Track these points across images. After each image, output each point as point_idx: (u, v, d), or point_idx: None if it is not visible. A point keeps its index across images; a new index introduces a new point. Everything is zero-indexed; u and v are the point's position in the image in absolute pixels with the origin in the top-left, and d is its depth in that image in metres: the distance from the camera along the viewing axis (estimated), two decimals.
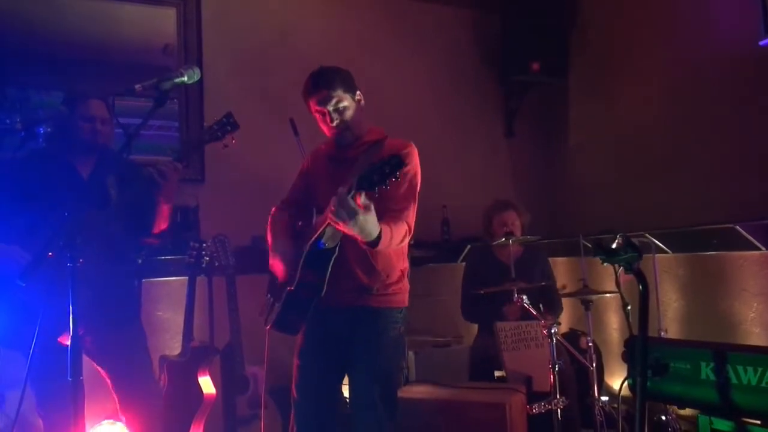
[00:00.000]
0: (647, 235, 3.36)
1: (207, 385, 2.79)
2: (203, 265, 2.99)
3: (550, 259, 3.50)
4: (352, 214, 1.75)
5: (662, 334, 2.99)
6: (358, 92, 2.21)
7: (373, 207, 1.76)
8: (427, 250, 3.72)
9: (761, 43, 2.88)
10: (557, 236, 4.25)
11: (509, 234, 3.04)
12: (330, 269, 2.06)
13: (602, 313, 4.02)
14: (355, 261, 2.10)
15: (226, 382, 2.86)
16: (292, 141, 3.16)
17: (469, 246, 4.04)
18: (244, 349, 2.94)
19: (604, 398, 3.24)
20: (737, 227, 2.94)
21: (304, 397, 2.15)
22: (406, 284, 2.22)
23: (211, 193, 3.57)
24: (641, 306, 1.55)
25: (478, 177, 4.31)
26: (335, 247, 2.06)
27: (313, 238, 2.04)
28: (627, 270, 1.53)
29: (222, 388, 2.85)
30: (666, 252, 3.46)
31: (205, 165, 3.60)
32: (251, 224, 3.41)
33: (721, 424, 1.54)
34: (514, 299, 2.69)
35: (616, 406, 3.29)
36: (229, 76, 3.72)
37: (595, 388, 2.73)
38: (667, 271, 3.51)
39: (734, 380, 1.48)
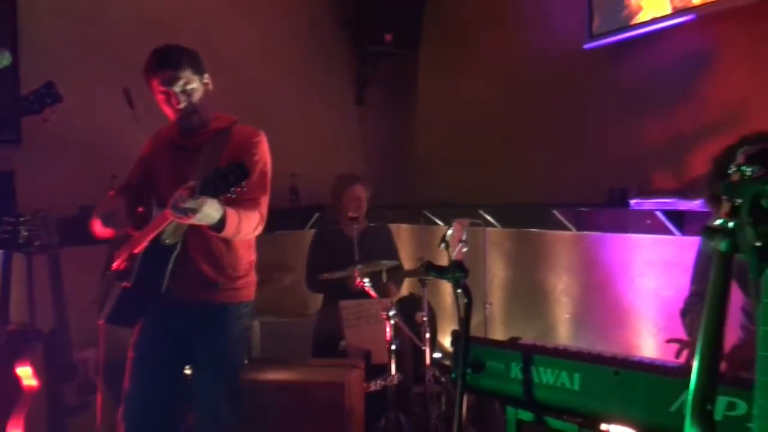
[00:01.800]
0: (480, 210, 3.64)
1: (27, 375, 2.58)
2: (20, 241, 2.71)
3: (396, 226, 3.67)
4: (192, 211, 1.72)
5: (487, 306, 3.31)
6: (206, 75, 2.10)
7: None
8: (274, 217, 3.70)
9: (585, 46, 3.16)
10: (403, 205, 4.45)
11: (357, 209, 3.14)
12: (171, 265, 1.99)
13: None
14: (199, 256, 2.05)
15: (50, 370, 2.67)
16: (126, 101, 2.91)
17: (317, 214, 4.08)
18: (73, 332, 2.76)
19: (437, 355, 3.54)
20: (554, 211, 3.29)
21: (136, 392, 2.09)
22: (253, 277, 2.21)
23: (29, 157, 3.20)
24: (464, 314, 1.70)
25: (328, 145, 4.32)
26: (177, 243, 2.00)
27: (154, 234, 1.95)
28: (455, 287, 1.66)
29: (46, 376, 2.66)
30: (496, 226, 3.78)
31: (21, 123, 3.19)
32: (78, 192, 3.13)
33: (525, 415, 1.78)
34: (356, 282, 2.80)
35: (447, 362, 3.63)
36: (51, 20, 3.29)
37: (427, 360, 2.96)
38: (497, 244, 3.84)
39: (536, 379, 1.70)
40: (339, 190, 3.42)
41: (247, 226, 1.95)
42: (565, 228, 3.39)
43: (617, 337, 3.20)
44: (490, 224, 3.70)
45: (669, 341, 2.01)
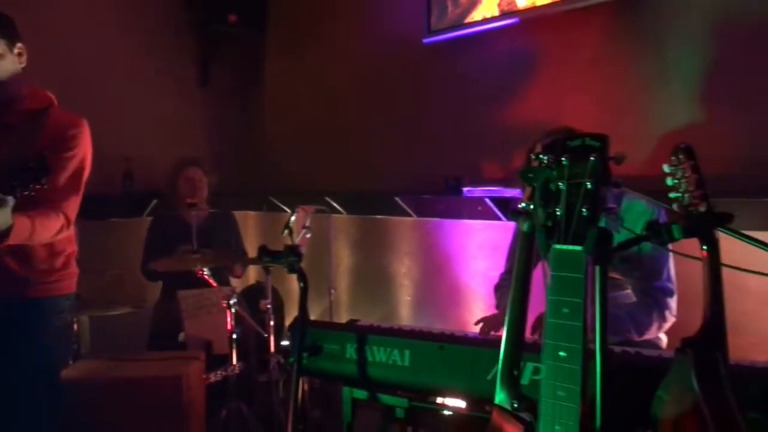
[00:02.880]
0: (327, 197, 3.68)
1: None
2: None
3: (243, 213, 3.58)
4: None
5: (332, 292, 3.36)
6: (19, 44, 1.88)
7: (9, 200, 1.57)
8: (106, 204, 3.44)
9: (424, 40, 3.31)
10: (249, 192, 4.35)
11: (194, 194, 3.01)
12: None
13: None
14: (6, 251, 1.84)
15: None
16: None
17: (155, 200, 3.85)
18: None
19: (285, 342, 3.52)
20: (397, 198, 3.42)
21: None
22: (73, 269, 2.04)
23: None
24: (300, 299, 1.71)
25: (168, 127, 4.08)
26: None
27: None
28: (289, 271, 1.66)
29: None
30: (342, 213, 3.84)
31: None
32: None
33: (359, 393, 1.84)
34: (196, 271, 2.69)
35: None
36: None
37: (272, 347, 2.94)
38: (343, 230, 3.91)
39: (370, 358, 1.76)
40: (174, 174, 3.26)
41: (42, 233, 1.79)
42: (407, 214, 3.54)
43: (454, 316, 3.42)
44: (336, 211, 3.75)
45: (477, 323, 2.20)
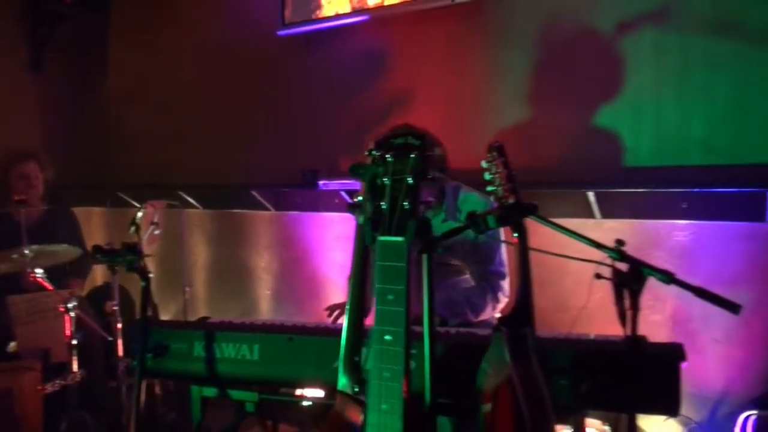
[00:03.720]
0: (180, 192, 3.53)
1: None
2: None
3: (85, 209, 3.33)
4: None
5: (187, 290, 3.25)
6: None
7: None
8: None
9: (278, 33, 3.29)
10: (93, 186, 4.06)
11: (27, 191, 2.76)
12: None
13: None
14: None
15: None
16: None
17: None
18: None
19: None
20: (253, 192, 3.38)
21: None
22: None
23: None
24: (142, 300, 1.65)
25: None
26: None
27: None
28: (128, 269, 1.59)
29: None
30: (197, 207, 3.71)
31: None
32: None
33: (209, 391, 1.82)
34: (29, 275, 2.47)
35: None
36: None
37: (119, 350, 2.78)
38: (198, 226, 3.78)
39: (219, 355, 1.74)
40: (5, 169, 2.96)
41: None
42: (264, 208, 3.51)
43: (314, 307, 3.45)
44: (190, 205, 3.62)
45: (326, 309, 2.26)
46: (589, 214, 2.60)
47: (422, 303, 1.17)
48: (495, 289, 2.05)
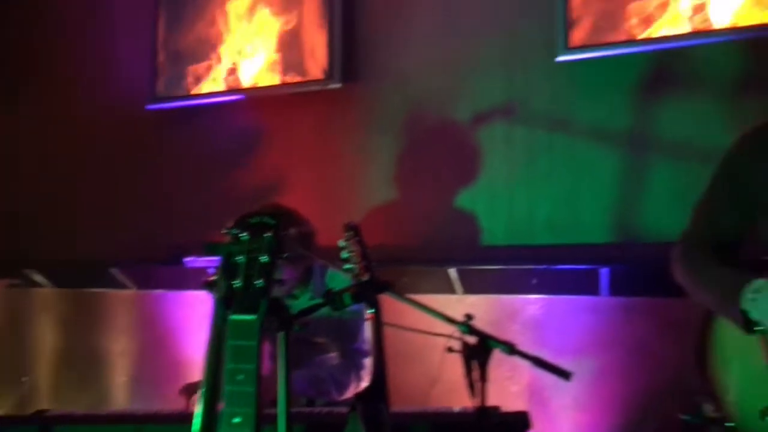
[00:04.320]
0: (27, 270, 3.25)
1: None
2: None
3: None
4: None
5: (23, 380, 2.93)
6: None
7: None
8: None
9: (147, 107, 3.25)
10: None
11: None
12: None
13: None
14: None
15: None
16: None
17: None
18: None
19: None
20: (110, 270, 3.19)
21: None
22: None
23: None
24: None
25: None
26: None
27: None
28: None
29: None
30: (46, 286, 3.42)
31: None
32: None
33: None
34: None
35: None
36: None
37: None
38: (48, 308, 3.47)
39: None
40: None
41: None
42: (125, 287, 3.31)
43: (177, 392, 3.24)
44: (38, 284, 3.32)
45: (181, 390, 2.16)
46: (452, 291, 2.74)
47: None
48: (358, 367, 2.07)
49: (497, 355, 2.25)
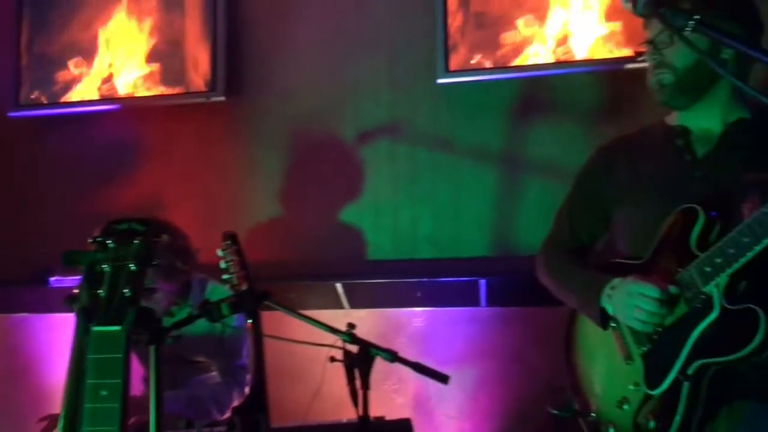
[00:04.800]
0: None
1: None
2: None
3: None
4: None
5: None
6: None
7: None
8: None
9: (9, 114, 2.99)
10: None
11: None
12: None
13: None
14: None
15: None
16: None
17: None
18: None
19: None
20: None
21: None
22: None
23: None
24: None
25: None
26: None
27: None
28: None
29: None
30: None
31: None
32: None
33: None
34: None
35: None
36: None
37: None
38: None
39: None
40: None
41: None
42: None
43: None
44: None
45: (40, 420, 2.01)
46: (339, 305, 2.75)
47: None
48: (241, 385, 2.01)
49: (384, 368, 2.30)
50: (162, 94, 2.92)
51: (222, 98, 2.82)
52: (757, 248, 1.08)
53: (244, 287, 1.32)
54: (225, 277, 1.36)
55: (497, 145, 2.78)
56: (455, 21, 2.72)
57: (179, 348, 1.93)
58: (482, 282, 2.61)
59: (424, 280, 2.68)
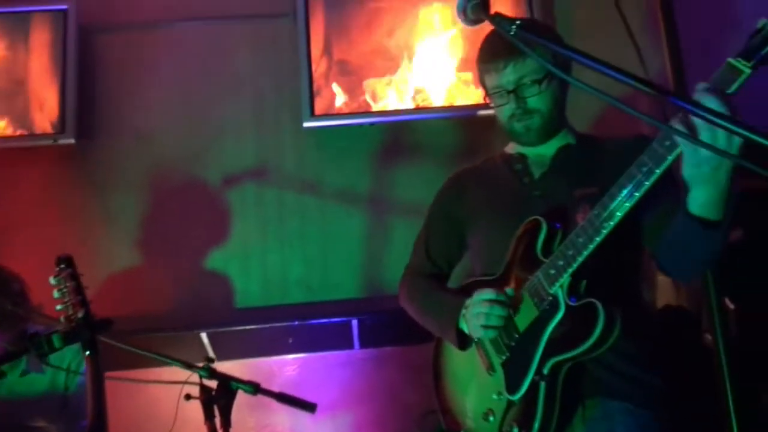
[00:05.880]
0: None
1: None
2: None
3: None
4: None
5: None
6: None
7: None
8: None
9: None
10: None
11: None
12: None
13: None
14: None
15: None
16: None
17: None
18: None
19: None
20: None
21: None
22: None
23: None
24: None
25: None
26: None
27: None
28: None
29: None
30: None
31: None
32: None
33: None
34: None
35: None
36: None
37: None
38: None
39: None
40: None
41: None
42: None
43: None
44: None
45: None
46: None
47: None
48: None
49: (252, 405, 2.17)
50: (3, 135, 2.66)
51: (71, 141, 2.63)
52: (591, 246, 1.18)
53: (80, 314, 1.18)
54: (59, 306, 1.21)
55: (364, 187, 2.83)
56: (320, 66, 2.79)
57: (13, 412, 1.69)
58: (354, 322, 2.58)
59: (296, 323, 2.60)
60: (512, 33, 0.89)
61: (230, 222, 2.75)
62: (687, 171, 1.04)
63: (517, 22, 0.90)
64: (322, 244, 2.78)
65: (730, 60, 0.98)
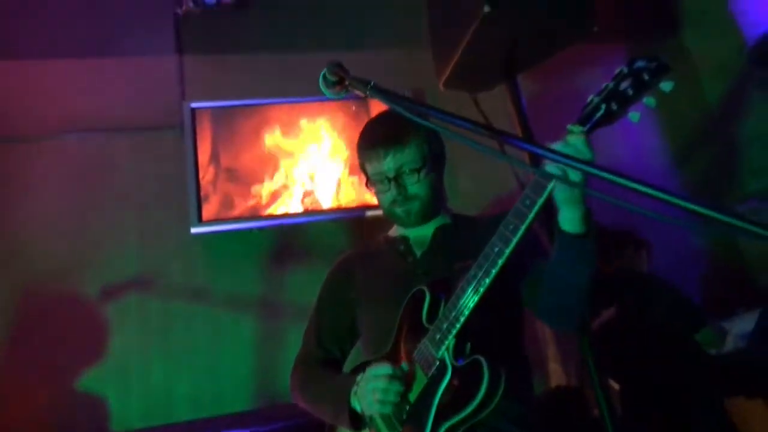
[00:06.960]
0: None
1: None
2: None
3: None
4: None
5: None
6: None
7: None
8: None
9: None
10: None
11: None
12: None
13: None
14: None
15: None
16: None
17: None
18: None
19: None
20: None
21: None
22: None
23: None
24: None
25: None
26: None
27: None
28: None
29: None
30: None
31: None
32: None
33: None
34: None
35: None
36: None
37: None
38: None
39: None
40: None
41: None
42: None
43: None
44: None
45: None
46: None
47: None
48: None
49: None
50: None
51: None
52: (471, 304, 1.21)
53: None
54: None
55: (256, 292, 2.77)
56: (207, 174, 2.81)
57: None
58: None
59: None
60: (367, 93, 0.98)
61: (108, 336, 2.56)
62: (559, 195, 1.18)
63: (372, 83, 0.99)
64: (212, 354, 2.63)
65: (569, 126, 1.15)
